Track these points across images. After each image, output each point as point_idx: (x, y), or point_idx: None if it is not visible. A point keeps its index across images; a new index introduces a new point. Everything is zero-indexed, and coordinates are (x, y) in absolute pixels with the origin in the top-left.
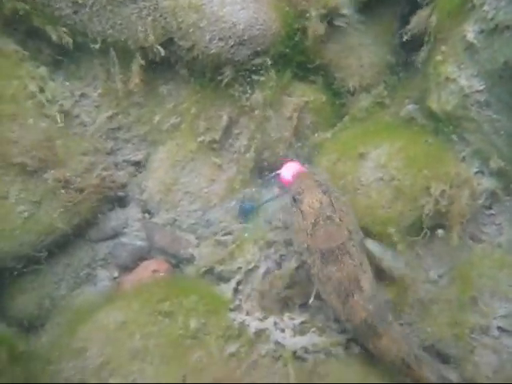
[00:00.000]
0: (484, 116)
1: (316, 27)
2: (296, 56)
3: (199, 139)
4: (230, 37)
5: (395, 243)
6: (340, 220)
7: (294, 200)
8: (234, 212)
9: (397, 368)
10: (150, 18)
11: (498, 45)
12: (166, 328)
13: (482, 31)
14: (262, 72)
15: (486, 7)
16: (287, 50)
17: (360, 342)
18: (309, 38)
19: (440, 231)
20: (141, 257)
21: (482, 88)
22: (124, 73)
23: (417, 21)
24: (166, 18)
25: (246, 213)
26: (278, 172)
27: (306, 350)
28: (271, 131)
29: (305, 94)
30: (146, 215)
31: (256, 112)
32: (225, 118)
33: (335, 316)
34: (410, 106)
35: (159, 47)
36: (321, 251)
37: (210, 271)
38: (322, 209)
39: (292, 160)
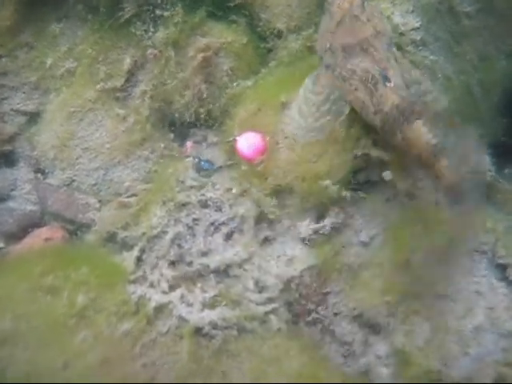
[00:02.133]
0: (420, 57)
1: None
2: None
3: (98, 86)
4: None
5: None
6: (367, 20)
7: (325, 3)
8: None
9: (423, 161)
10: None
11: None
12: (46, 306)
13: None
14: (167, 6)
15: None
16: None
17: (387, 137)
18: None
19: (387, 173)
20: (32, 223)
21: (417, 25)
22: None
23: None
24: None
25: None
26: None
27: (215, 326)
28: (174, 75)
29: (222, 36)
30: (39, 175)
31: (151, 50)
32: (127, 61)
33: (365, 115)
34: None
35: None
36: (342, 46)
37: (112, 238)
38: (351, 9)
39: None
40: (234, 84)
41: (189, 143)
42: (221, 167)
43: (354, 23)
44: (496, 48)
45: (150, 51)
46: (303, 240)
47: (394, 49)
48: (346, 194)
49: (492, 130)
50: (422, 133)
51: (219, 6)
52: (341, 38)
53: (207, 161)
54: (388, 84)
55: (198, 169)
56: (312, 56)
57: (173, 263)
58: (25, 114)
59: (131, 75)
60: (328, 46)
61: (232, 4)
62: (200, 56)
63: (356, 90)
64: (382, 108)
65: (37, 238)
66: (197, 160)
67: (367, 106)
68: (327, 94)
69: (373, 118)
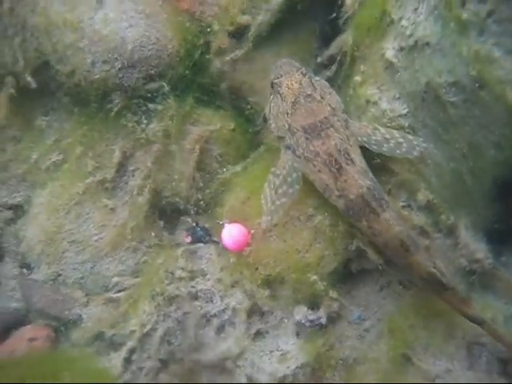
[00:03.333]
0: None
1: (221, 41)
2: (198, 78)
3: (87, 180)
4: (116, 59)
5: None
6: (321, 98)
7: (273, 85)
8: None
9: (392, 250)
10: (18, 39)
11: (418, 64)
12: None
13: (401, 49)
14: (159, 99)
15: (404, 22)
16: (187, 72)
17: (352, 221)
18: (212, 53)
19: None
20: (16, 322)
21: (404, 112)
22: None
23: (336, 45)
24: (38, 39)
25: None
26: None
27: None
28: (171, 167)
29: (211, 122)
30: (24, 270)
31: (154, 145)
32: (117, 153)
33: (327, 195)
34: None
35: (28, 77)
36: (303, 128)
37: (99, 336)
38: (302, 88)
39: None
40: (224, 170)
41: (184, 234)
42: (215, 242)
43: (309, 103)
44: (484, 137)
45: (154, 147)
46: (297, 333)
47: (350, 121)
48: (333, 293)
49: (484, 218)
50: (390, 225)
51: (206, 91)
52: (300, 119)
53: (203, 228)
54: (351, 168)
55: (193, 235)
56: None
57: (163, 362)
58: (11, 207)
59: (121, 167)
60: (287, 127)
61: (217, 89)
62: (197, 148)
63: (319, 171)
64: (347, 194)
65: (20, 340)
66: (194, 225)
67: (331, 188)
68: (284, 176)
69: (336, 201)
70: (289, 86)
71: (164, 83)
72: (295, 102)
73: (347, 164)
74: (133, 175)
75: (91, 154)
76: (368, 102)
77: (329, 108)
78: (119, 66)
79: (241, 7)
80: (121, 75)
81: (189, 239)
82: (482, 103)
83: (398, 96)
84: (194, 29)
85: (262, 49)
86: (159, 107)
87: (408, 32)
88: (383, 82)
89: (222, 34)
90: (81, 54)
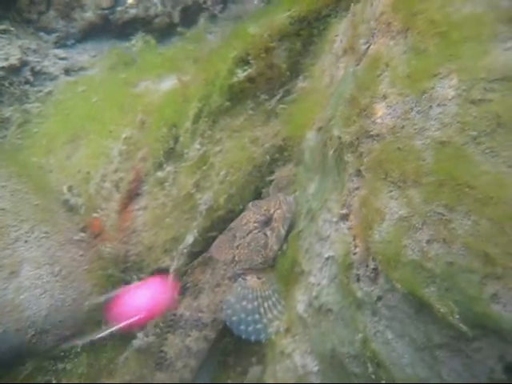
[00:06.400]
0: None
1: None
2: None
3: None
4: (28, 327)
5: None
6: None
7: None
8: None
9: None
10: None
11: (324, 327)
12: None
13: (310, 304)
14: (69, 357)
15: (311, 278)
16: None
17: None
18: None
19: None
20: None
21: (316, 370)
22: None
23: None
24: None
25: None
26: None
27: None
28: None
29: (128, 372)
30: None
31: None
32: None
33: None
34: (252, 374)
35: None
36: None
37: None
38: None
39: None
40: None
41: None
42: None
43: None
44: None
45: None
46: None
47: None
48: None
49: None
50: None
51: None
52: None
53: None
54: None
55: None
56: None
57: None
58: None
59: None
60: None
61: None
62: None
63: None
64: None
65: None
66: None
67: None
68: None
69: None
70: None
71: (78, 343)
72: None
73: None
74: None
75: None
76: (282, 353)
77: None
78: (32, 333)
79: (164, 248)
80: (33, 341)
81: None
82: (382, 380)
83: (309, 351)
84: (117, 275)
85: None
86: (68, 366)
87: (314, 292)
88: (296, 332)
89: None
90: None
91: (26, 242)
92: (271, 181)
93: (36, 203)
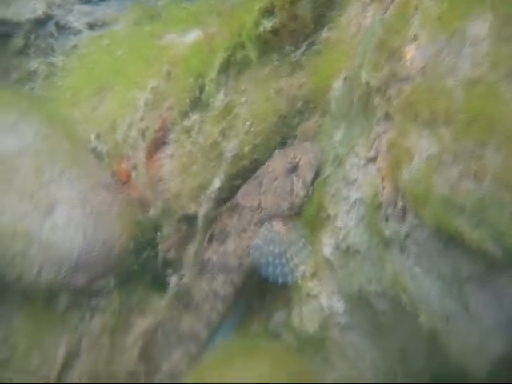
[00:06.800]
0: (346, 340)
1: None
2: (148, 268)
3: (33, 378)
4: (63, 264)
5: None
6: None
7: None
8: None
9: None
10: None
11: (351, 268)
12: None
13: (337, 247)
14: (102, 295)
15: (338, 222)
16: (136, 267)
17: None
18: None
19: None
20: None
21: (342, 310)
22: None
23: None
24: None
25: None
26: None
27: None
28: (110, 360)
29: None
30: None
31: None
32: (62, 349)
33: None
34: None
35: None
36: None
37: None
38: None
39: None
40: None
41: None
42: None
43: None
44: (414, 346)
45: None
46: None
47: None
48: None
49: None
50: None
51: (159, 280)
52: None
53: None
54: None
55: None
56: None
57: None
58: None
59: (66, 363)
60: None
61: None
62: (139, 342)
63: None
64: None
65: None
66: None
67: None
68: None
69: None
70: None
71: (111, 279)
72: None
73: None
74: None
75: (37, 350)
76: (308, 295)
77: None
78: (66, 269)
79: (190, 195)
80: (67, 278)
81: None
82: (409, 315)
83: (336, 292)
84: (145, 221)
85: None
86: (102, 302)
87: (342, 235)
88: (323, 275)
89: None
90: (29, 261)
91: (58, 182)
92: (296, 132)
93: (67, 148)
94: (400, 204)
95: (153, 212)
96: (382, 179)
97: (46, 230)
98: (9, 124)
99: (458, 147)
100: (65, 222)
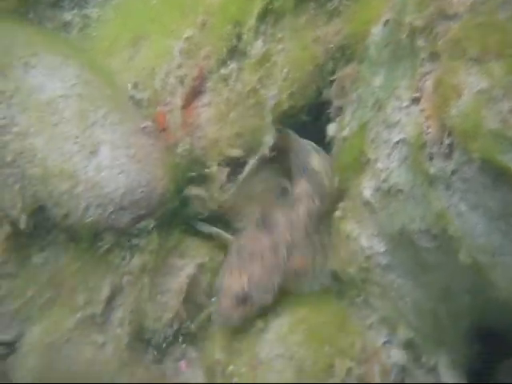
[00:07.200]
0: (388, 280)
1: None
2: (186, 210)
3: (78, 315)
4: (108, 203)
5: None
6: None
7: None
8: None
9: None
10: (17, 186)
11: (393, 208)
12: None
13: (378, 189)
14: (142, 235)
15: (379, 165)
16: (176, 207)
17: None
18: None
19: None
20: None
21: (383, 250)
22: None
23: None
24: (35, 186)
25: None
26: None
27: None
28: (152, 300)
29: (199, 254)
30: None
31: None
32: (106, 288)
33: None
34: None
35: (23, 219)
36: None
37: None
38: None
39: None
40: (212, 300)
41: (183, 362)
42: None
43: None
44: (458, 283)
45: (125, 278)
46: None
47: None
48: None
49: (462, 357)
50: None
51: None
52: None
53: None
54: None
55: None
56: None
57: None
58: (2, 344)
59: (110, 302)
60: None
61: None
62: (183, 288)
63: None
64: None
65: None
66: None
67: None
68: None
69: None
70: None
71: (152, 220)
72: None
73: None
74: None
75: (82, 288)
76: (348, 237)
77: None
78: (111, 209)
79: (229, 141)
80: (112, 217)
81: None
82: (453, 252)
83: (376, 233)
84: (183, 164)
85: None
86: (142, 242)
87: (383, 176)
88: (362, 218)
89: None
90: (75, 200)
91: (102, 126)
92: (333, 80)
93: (108, 94)
94: (446, 141)
95: (190, 157)
96: (427, 118)
97: (91, 169)
98: (54, 66)
99: (509, 81)
100: (109, 163)
